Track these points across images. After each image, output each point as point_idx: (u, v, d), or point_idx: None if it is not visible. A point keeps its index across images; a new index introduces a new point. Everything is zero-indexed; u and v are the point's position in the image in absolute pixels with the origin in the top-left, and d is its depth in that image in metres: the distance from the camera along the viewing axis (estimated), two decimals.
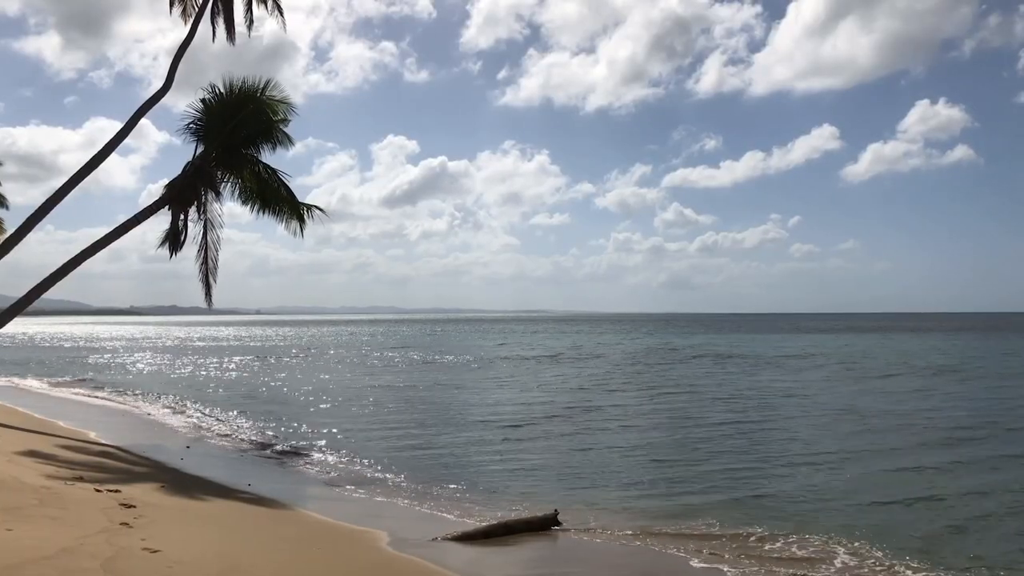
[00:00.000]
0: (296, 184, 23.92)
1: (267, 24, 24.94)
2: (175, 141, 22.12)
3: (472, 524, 11.06)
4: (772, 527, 11.06)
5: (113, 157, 22.99)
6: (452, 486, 13.86)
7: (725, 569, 9.37)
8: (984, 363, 45.29)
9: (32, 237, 22.20)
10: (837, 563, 9.59)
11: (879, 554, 9.88)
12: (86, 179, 22.25)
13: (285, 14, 24.35)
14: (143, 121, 23.24)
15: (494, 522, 11.05)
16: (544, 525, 11.02)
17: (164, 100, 23.00)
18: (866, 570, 9.38)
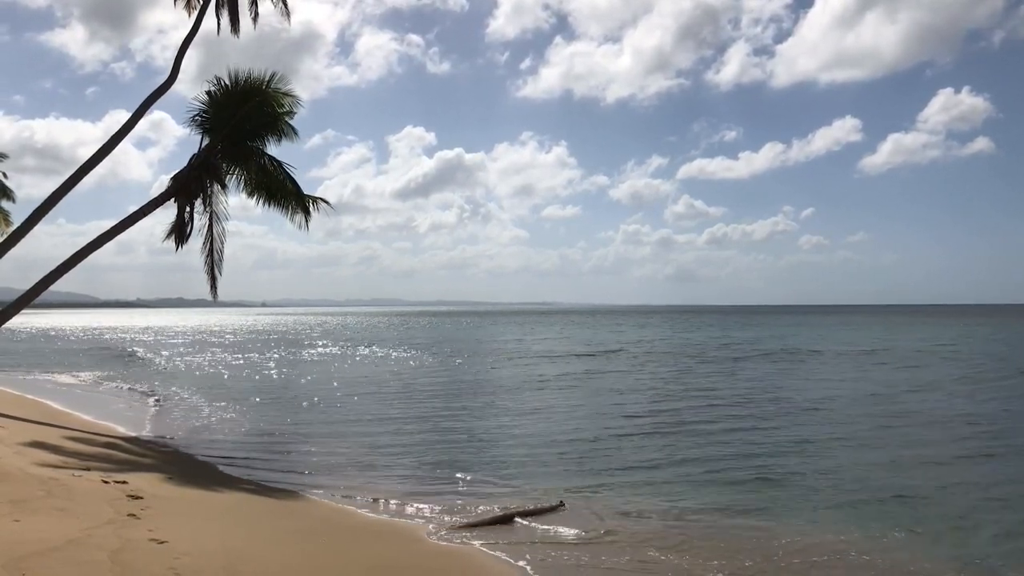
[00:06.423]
0: (311, 176, 24.22)
1: (293, 16, 24.74)
2: (194, 135, 22.20)
3: (477, 514, 11.08)
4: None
5: (131, 150, 23.41)
6: (464, 477, 13.86)
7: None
8: None
9: (42, 230, 22.36)
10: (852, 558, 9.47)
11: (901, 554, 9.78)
12: (102, 172, 22.42)
13: (302, 8, 24.43)
14: (162, 114, 23.79)
15: (499, 511, 11.07)
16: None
17: (185, 93, 23.06)
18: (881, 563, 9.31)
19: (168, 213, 22.24)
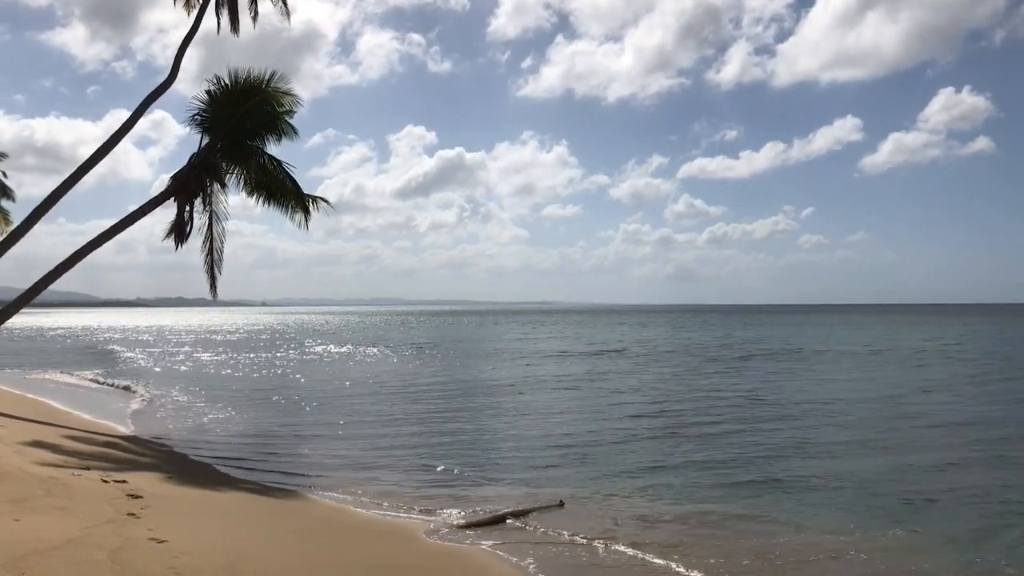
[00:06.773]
0: (311, 175, 24.30)
1: (294, 16, 24.86)
2: (194, 134, 22.24)
3: (477, 513, 11.06)
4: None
5: (131, 150, 23.42)
6: (465, 477, 13.85)
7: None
8: None
9: (42, 229, 22.38)
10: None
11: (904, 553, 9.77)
12: (102, 171, 22.48)
13: (303, 7, 24.51)
14: (162, 113, 23.82)
15: (499, 511, 11.06)
16: None
17: (185, 92, 23.10)
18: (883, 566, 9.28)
19: (168, 212, 22.31)
